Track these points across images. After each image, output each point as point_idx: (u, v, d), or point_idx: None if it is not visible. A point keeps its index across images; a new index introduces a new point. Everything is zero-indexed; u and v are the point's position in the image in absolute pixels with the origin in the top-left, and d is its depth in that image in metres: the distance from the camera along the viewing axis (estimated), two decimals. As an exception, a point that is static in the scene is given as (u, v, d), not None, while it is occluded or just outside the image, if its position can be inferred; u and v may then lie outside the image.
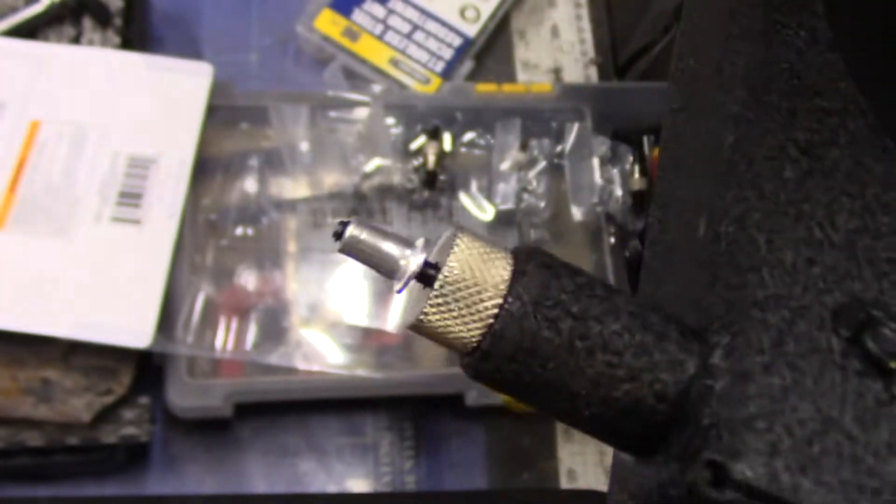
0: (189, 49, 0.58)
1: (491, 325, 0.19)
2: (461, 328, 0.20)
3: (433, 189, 0.52)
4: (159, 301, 0.46)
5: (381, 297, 0.50)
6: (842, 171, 0.22)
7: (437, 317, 0.20)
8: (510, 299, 0.19)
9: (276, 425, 0.49)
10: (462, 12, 0.60)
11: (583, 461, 0.51)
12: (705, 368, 0.19)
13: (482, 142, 0.55)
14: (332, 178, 0.52)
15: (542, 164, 0.54)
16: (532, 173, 0.53)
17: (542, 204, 0.53)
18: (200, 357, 0.47)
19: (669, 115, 0.27)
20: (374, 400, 0.50)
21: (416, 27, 0.59)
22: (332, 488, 0.48)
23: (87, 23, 0.54)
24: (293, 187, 0.52)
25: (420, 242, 0.20)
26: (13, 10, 0.54)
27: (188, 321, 0.47)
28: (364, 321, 0.49)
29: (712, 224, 0.21)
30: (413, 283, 0.20)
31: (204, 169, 0.51)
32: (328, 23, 0.58)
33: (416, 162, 0.53)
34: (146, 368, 0.46)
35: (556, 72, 0.61)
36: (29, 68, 0.51)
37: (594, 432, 0.21)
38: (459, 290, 0.19)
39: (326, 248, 0.51)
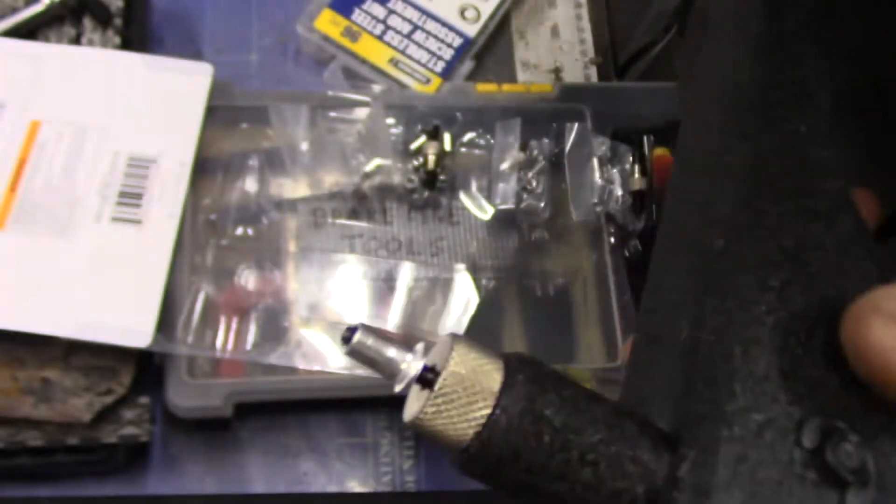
0: (189, 49, 0.58)
1: (479, 432, 0.21)
2: (453, 431, 0.22)
3: (433, 189, 0.52)
4: (159, 301, 0.46)
5: (382, 297, 0.50)
6: (824, 277, 0.23)
7: (434, 419, 0.22)
8: (497, 410, 0.21)
9: (276, 425, 0.49)
10: (462, 12, 0.60)
11: (583, 461, 0.51)
12: (673, 480, 0.21)
13: (482, 142, 0.55)
14: (332, 178, 0.52)
15: (542, 164, 0.54)
16: (532, 173, 0.53)
17: (542, 204, 0.53)
18: (200, 357, 0.47)
19: (668, 197, 0.28)
20: (374, 400, 0.50)
21: (416, 27, 0.59)
22: (332, 488, 0.48)
23: (87, 23, 0.54)
24: (293, 187, 0.52)
25: (420, 347, 0.22)
26: (13, 10, 0.54)
27: (188, 321, 0.47)
28: (364, 321, 0.49)
29: (692, 331, 0.22)
30: (414, 384, 0.23)
31: (204, 169, 0.51)
32: (328, 23, 0.58)
33: (416, 162, 0.53)
34: (146, 368, 0.46)
35: (556, 72, 0.61)
36: (29, 68, 0.51)
37: None
38: (453, 398, 0.21)
39: (326, 248, 0.51)
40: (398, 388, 0.22)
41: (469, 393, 0.21)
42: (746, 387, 0.21)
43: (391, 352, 0.23)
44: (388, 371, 0.23)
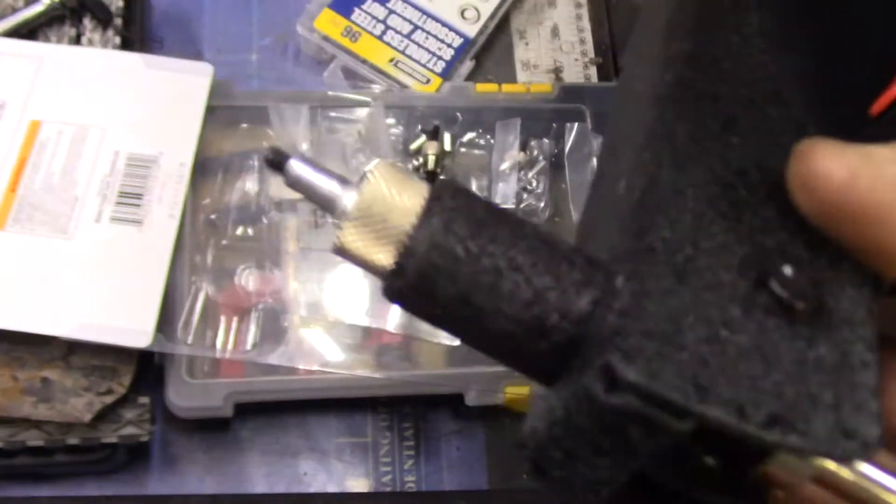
0: (189, 49, 0.58)
1: (405, 243, 0.21)
2: (376, 249, 0.21)
3: (433, 189, 0.52)
4: (159, 301, 0.46)
5: (382, 297, 0.50)
6: (764, 143, 0.23)
7: (354, 238, 0.21)
8: (424, 220, 0.21)
9: (276, 425, 0.49)
10: (462, 12, 0.60)
11: (583, 461, 0.51)
12: (608, 291, 0.20)
13: (482, 142, 0.55)
14: (332, 178, 0.52)
15: (542, 164, 0.54)
16: (532, 173, 0.53)
17: (542, 204, 0.53)
18: (200, 357, 0.47)
19: (613, 111, 0.28)
20: (374, 400, 0.50)
21: (416, 27, 0.59)
22: (332, 488, 0.48)
23: (87, 23, 0.54)
24: (293, 187, 0.52)
25: (357, 180, 0.22)
26: (13, 10, 0.54)
27: (188, 321, 0.47)
28: (364, 321, 0.49)
29: (629, 181, 0.22)
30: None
31: (204, 169, 0.51)
32: (328, 23, 0.58)
33: (416, 162, 0.53)
34: (146, 368, 0.46)
35: (556, 72, 0.61)
36: (29, 68, 0.51)
37: (503, 356, 0.22)
38: (372, 213, 0.21)
39: (326, 248, 0.51)
40: (333, 221, 0.22)
41: (391, 206, 0.21)
42: (683, 220, 0.21)
43: (327, 182, 0.22)
44: (324, 202, 0.22)
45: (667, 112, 0.23)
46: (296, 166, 0.22)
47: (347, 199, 0.21)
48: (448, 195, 0.21)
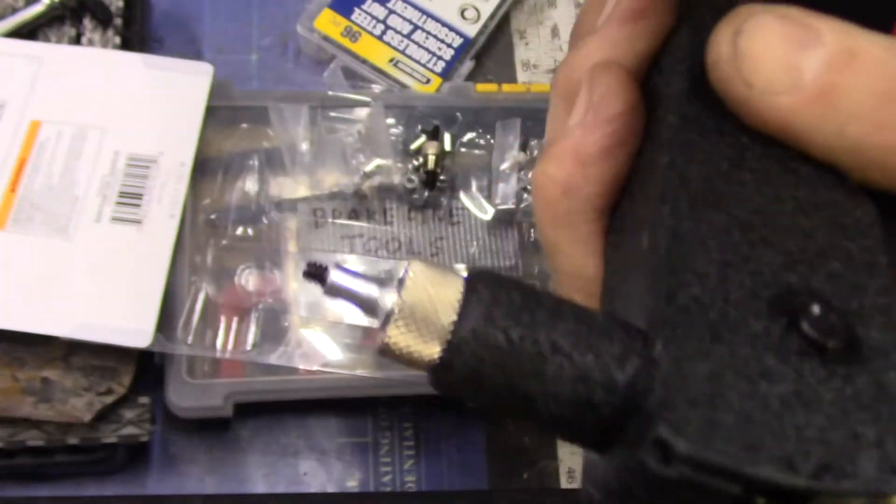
0: (189, 49, 0.58)
1: (449, 340, 0.21)
2: (422, 347, 0.22)
3: (433, 189, 0.52)
4: (159, 301, 0.46)
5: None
6: (775, 175, 0.23)
7: (399, 339, 0.22)
8: (463, 315, 0.21)
9: (276, 425, 0.49)
10: (462, 12, 0.60)
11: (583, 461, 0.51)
12: (649, 360, 0.20)
13: (482, 142, 0.55)
14: (332, 178, 0.52)
15: (542, 164, 0.54)
16: (532, 173, 0.53)
17: (542, 204, 0.53)
18: (200, 357, 0.47)
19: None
20: (374, 400, 0.50)
21: (416, 27, 0.59)
22: (331, 488, 0.48)
23: (88, 23, 0.54)
24: (293, 187, 0.52)
25: (395, 281, 0.22)
26: (13, 10, 0.54)
27: (188, 321, 0.47)
28: (364, 321, 0.49)
29: (652, 236, 0.22)
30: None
31: (204, 169, 0.51)
32: (328, 23, 0.58)
33: (416, 162, 0.53)
34: (146, 368, 0.46)
35: (556, 72, 0.61)
36: (29, 68, 0.51)
37: (555, 431, 0.22)
38: (415, 312, 0.21)
39: (326, 248, 0.51)
40: (378, 324, 0.22)
41: (432, 303, 0.22)
42: (711, 273, 0.21)
43: (366, 287, 0.23)
44: (366, 306, 0.23)
45: (677, 158, 0.23)
46: (335, 276, 0.23)
47: (388, 299, 0.22)
48: (483, 286, 0.22)
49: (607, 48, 0.25)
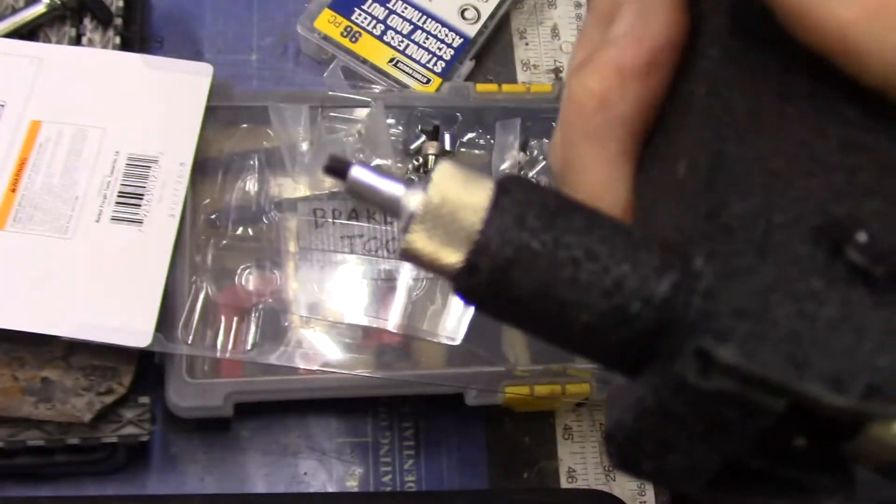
0: (189, 49, 0.58)
1: (476, 240, 0.20)
2: (447, 249, 0.20)
3: (433, 189, 0.52)
4: (159, 301, 0.46)
5: (382, 297, 0.50)
6: (820, 106, 0.22)
7: (423, 240, 0.20)
8: (494, 214, 0.20)
9: (276, 425, 0.49)
10: (462, 12, 0.60)
11: (583, 461, 0.51)
12: (689, 272, 0.19)
13: (482, 142, 0.55)
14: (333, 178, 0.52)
15: (542, 164, 0.54)
16: (532, 173, 0.53)
17: (542, 204, 0.53)
18: (200, 357, 0.47)
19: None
20: (374, 400, 0.50)
21: (416, 27, 0.59)
22: (331, 488, 0.48)
23: (88, 23, 0.54)
24: (293, 187, 0.52)
25: (420, 181, 0.21)
26: (13, 10, 0.54)
27: (188, 321, 0.47)
28: (364, 321, 0.49)
29: (692, 161, 0.22)
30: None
31: (204, 169, 0.51)
32: (328, 23, 0.58)
33: (416, 162, 0.53)
34: (146, 368, 0.46)
35: (556, 72, 0.61)
36: (29, 68, 0.51)
37: (585, 348, 0.21)
38: (441, 213, 0.20)
39: (326, 248, 0.51)
40: (401, 226, 0.21)
41: (459, 205, 0.20)
42: (754, 193, 0.20)
43: (390, 185, 0.21)
44: (388, 205, 0.21)
45: (719, 87, 0.22)
46: (357, 172, 0.21)
47: (412, 200, 0.21)
48: (517, 187, 0.20)
49: None
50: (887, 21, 0.19)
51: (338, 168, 0.21)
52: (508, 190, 0.20)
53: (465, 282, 0.20)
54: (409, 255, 0.21)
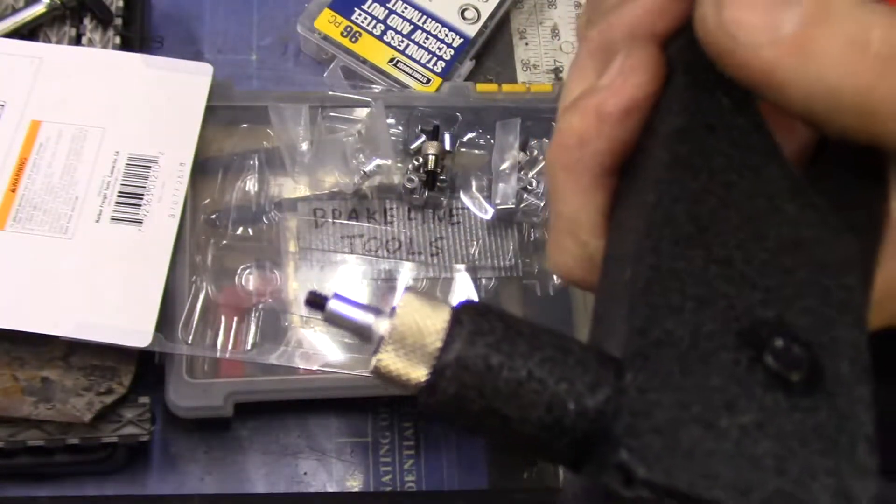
0: (189, 49, 0.58)
1: (434, 364, 0.23)
2: (410, 370, 0.23)
3: (433, 189, 0.52)
4: (159, 301, 0.46)
5: (382, 297, 0.50)
6: (760, 213, 0.24)
7: (390, 361, 0.23)
8: (447, 342, 0.23)
9: (276, 425, 0.49)
10: (462, 12, 0.60)
11: (583, 461, 0.51)
12: (618, 389, 0.22)
13: (482, 142, 0.55)
14: (332, 178, 0.52)
15: (542, 164, 0.54)
16: (532, 173, 0.53)
17: (542, 204, 0.53)
18: (200, 357, 0.47)
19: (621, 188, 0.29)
20: (374, 400, 0.50)
21: (416, 27, 0.59)
22: (331, 488, 0.48)
23: (87, 23, 0.54)
24: (293, 187, 0.52)
25: (388, 310, 0.24)
26: (13, 10, 0.54)
27: (188, 321, 0.47)
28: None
29: (633, 269, 0.24)
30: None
31: (204, 169, 0.51)
32: (328, 23, 0.58)
33: (416, 162, 0.53)
34: (146, 368, 0.46)
35: (556, 72, 0.61)
36: (29, 68, 0.51)
37: (529, 452, 0.25)
38: (405, 339, 0.23)
39: (326, 248, 0.51)
40: (372, 350, 0.24)
41: (420, 331, 0.23)
42: (685, 307, 0.22)
43: (362, 315, 0.24)
44: (361, 332, 0.24)
45: (664, 196, 0.24)
46: (334, 305, 0.24)
47: (381, 325, 0.24)
48: (467, 316, 0.23)
49: (650, 17, 0.27)
50: (801, 58, 0.22)
51: (316, 301, 0.25)
52: (461, 320, 0.23)
53: (426, 399, 0.23)
54: (379, 373, 0.24)
